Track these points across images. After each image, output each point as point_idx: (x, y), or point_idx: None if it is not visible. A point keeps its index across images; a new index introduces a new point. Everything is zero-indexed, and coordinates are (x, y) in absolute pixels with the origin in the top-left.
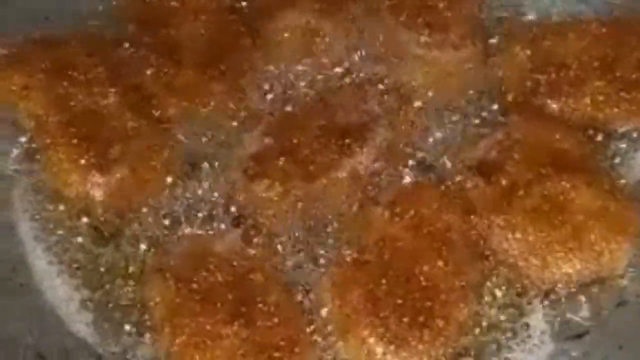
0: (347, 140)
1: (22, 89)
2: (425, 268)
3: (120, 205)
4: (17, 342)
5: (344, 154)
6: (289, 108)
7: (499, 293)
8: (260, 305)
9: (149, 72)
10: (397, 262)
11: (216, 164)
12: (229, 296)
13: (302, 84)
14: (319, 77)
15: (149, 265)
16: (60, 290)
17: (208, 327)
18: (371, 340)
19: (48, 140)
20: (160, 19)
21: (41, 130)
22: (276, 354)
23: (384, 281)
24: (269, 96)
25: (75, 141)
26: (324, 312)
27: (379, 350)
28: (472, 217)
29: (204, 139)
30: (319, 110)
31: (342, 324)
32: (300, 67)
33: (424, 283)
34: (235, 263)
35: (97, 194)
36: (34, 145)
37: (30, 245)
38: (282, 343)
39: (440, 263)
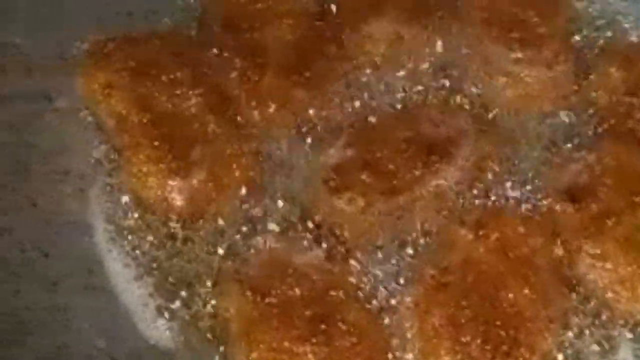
0: (432, 157)
1: (105, 87)
2: (510, 294)
3: (197, 210)
4: (89, 344)
5: (429, 169)
6: (372, 119)
7: (585, 324)
8: (339, 323)
9: (232, 75)
10: (480, 285)
11: (296, 173)
12: (307, 312)
13: (387, 94)
14: (405, 88)
15: (226, 274)
16: (135, 295)
17: (285, 344)
18: None
19: (128, 141)
20: (245, 22)
21: (121, 130)
22: None
23: (466, 305)
24: (353, 106)
25: (156, 143)
26: (404, 332)
27: None
28: (559, 242)
29: (284, 147)
30: (404, 123)
31: (423, 347)
32: (385, 77)
33: (508, 310)
34: (314, 277)
35: (176, 198)
36: (113, 145)
37: (106, 247)
38: None
39: (526, 290)
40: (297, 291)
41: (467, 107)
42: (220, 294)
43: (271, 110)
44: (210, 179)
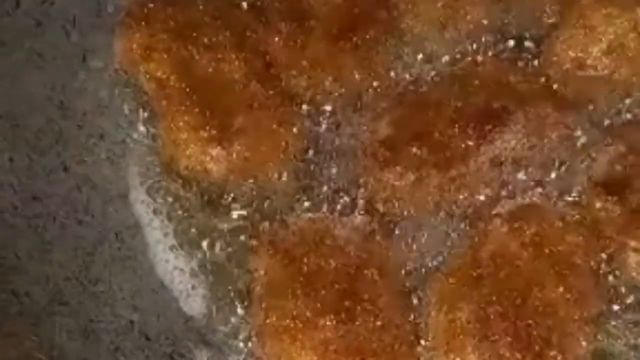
0: (486, 126)
1: (144, 49)
2: (544, 292)
3: (239, 178)
4: (121, 318)
5: (483, 139)
6: (423, 88)
7: (627, 330)
8: (366, 303)
9: (277, 39)
10: (513, 281)
11: (342, 146)
12: (335, 286)
13: (438, 62)
14: (457, 55)
15: (263, 235)
16: (171, 265)
17: (306, 313)
18: None
19: (167, 106)
20: None
21: (160, 95)
22: None
23: (496, 300)
24: (402, 74)
25: (196, 110)
26: (430, 324)
27: None
28: (601, 241)
29: (331, 119)
30: (455, 92)
31: (448, 342)
32: (436, 45)
33: (541, 308)
34: (351, 253)
35: (216, 168)
36: (151, 110)
37: (142, 215)
38: (380, 350)
39: (561, 289)
40: (331, 263)
41: (525, 72)
42: (253, 252)
43: (317, 77)
44: (252, 149)
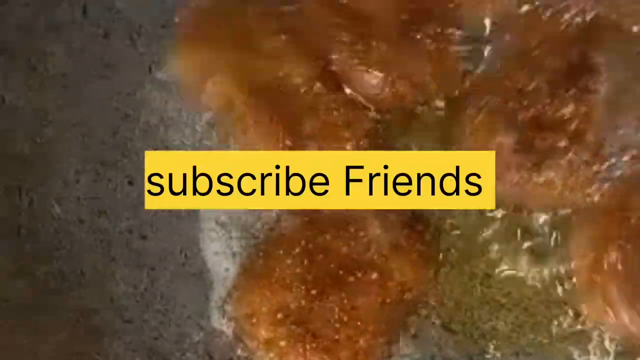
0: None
1: (205, 65)
2: None
3: None
4: (185, 337)
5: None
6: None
7: None
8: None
9: (337, 43)
10: None
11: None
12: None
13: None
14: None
15: None
16: (230, 281)
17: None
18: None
19: (236, 119)
20: None
21: (227, 108)
22: None
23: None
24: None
25: (266, 119)
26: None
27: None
28: None
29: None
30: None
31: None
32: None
33: None
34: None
35: None
36: (218, 122)
37: (205, 231)
38: None
39: None
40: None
41: None
42: None
43: (381, 80)
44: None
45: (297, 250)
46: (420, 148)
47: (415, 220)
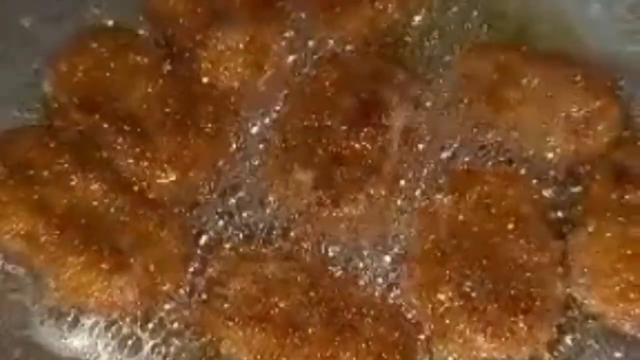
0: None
1: None
2: (508, 249)
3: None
4: None
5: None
6: None
7: None
8: None
9: (117, 147)
10: (476, 248)
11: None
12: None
13: None
14: None
15: None
16: None
17: None
18: (476, 337)
19: (47, 258)
20: (103, 94)
21: (35, 250)
22: None
23: (469, 273)
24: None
25: (81, 248)
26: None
27: (486, 346)
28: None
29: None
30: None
31: (438, 329)
32: None
33: (511, 266)
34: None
35: (128, 293)
36: (30, 267)
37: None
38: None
39: (521, 240)
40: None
41: None
42: None
43: (176, 174)
44: (148, 263)
45: None
46: None
47: None
